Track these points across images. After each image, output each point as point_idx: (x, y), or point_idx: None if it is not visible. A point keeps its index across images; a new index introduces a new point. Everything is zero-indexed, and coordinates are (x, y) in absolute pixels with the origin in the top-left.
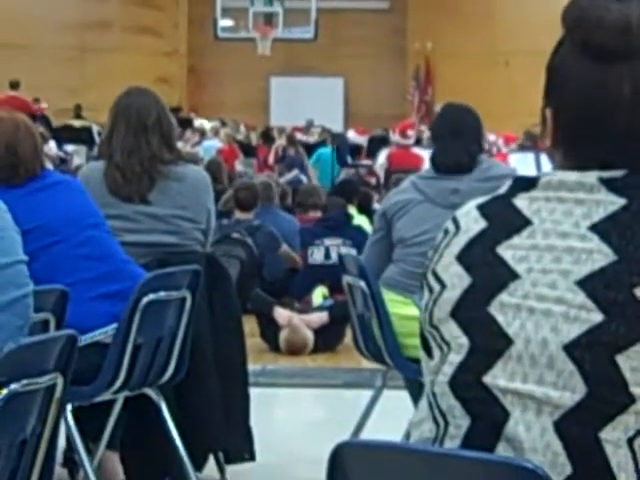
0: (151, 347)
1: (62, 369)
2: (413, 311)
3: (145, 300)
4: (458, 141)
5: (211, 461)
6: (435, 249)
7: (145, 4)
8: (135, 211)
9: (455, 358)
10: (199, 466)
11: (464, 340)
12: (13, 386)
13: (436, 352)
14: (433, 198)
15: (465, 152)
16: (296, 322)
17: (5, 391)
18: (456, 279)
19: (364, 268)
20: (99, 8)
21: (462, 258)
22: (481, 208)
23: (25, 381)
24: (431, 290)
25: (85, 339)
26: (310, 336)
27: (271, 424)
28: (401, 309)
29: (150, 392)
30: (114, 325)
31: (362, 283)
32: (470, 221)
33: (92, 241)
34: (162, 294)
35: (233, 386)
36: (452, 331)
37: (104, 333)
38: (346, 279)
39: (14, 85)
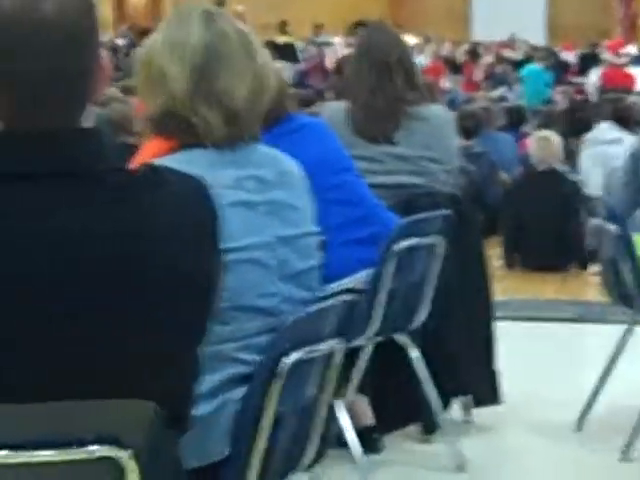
0: (403, 293)
1: (341, 334)
2: None
3: (398, 246)
4: None
5: (457, 403)
6: None
7: None
8: (381, 152)
9: None
10: (444, 408)
11: None
12: (296, 354)
13: None
14: None
15: None
16: None
17: (289, 360)
18: None
19: (614, 211)
20: None
21: None
22: None
23: (307, 349)
24: None
25: (338, 286)
26: None
27: (508, 361)
28: None
29: (401, 338)
30: (366, 271)
31: (612, 226)
32: None
33: (343, 185)
34: (414, 240)
35: (479, 328)
36: None
37: (357, 279)
38: (593, 222)
39: (220, 3)
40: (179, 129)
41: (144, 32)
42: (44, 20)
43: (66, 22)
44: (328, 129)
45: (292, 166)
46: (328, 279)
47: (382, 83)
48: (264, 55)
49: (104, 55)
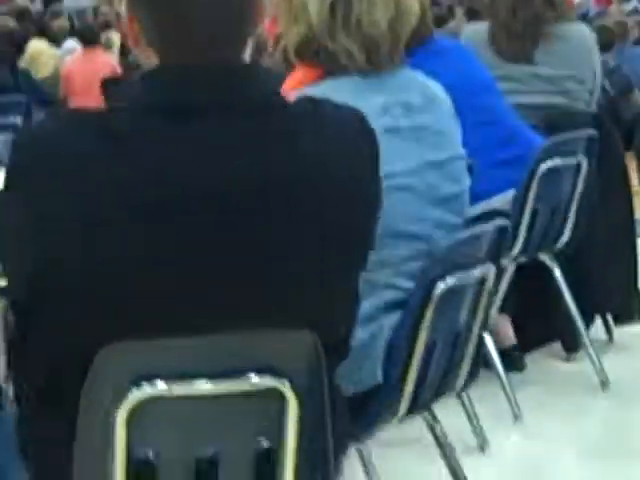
0: (547, 214)
1: (493, 259)
2: None
3: (543, 167)
4: None
5: (598, 322)
6: None
7: None
8: (523, 72)
9: None
10: (586, 327)
11: None
12: (449, 280)
13: None
14: None
15: None
16: None
17: (442, 286)
18: None
19: None
20: None
21: None
22: None
23: (460, 274)
24: None
25: (483, 207)
26: None
27: None
28: None
29: (545, 258)
30: (511, 191)
31: None
32: None
33: (486, 107)
34: (559, 160)
35: (622, 246)
36: None
37: (503, 200)
38: None
39: None
40: (320, 57)
41: None
42: None
43: None
44: (469, 52)
45: (438, 90)
46: (473, 200)
47: (521, 2)
48: None
49: None
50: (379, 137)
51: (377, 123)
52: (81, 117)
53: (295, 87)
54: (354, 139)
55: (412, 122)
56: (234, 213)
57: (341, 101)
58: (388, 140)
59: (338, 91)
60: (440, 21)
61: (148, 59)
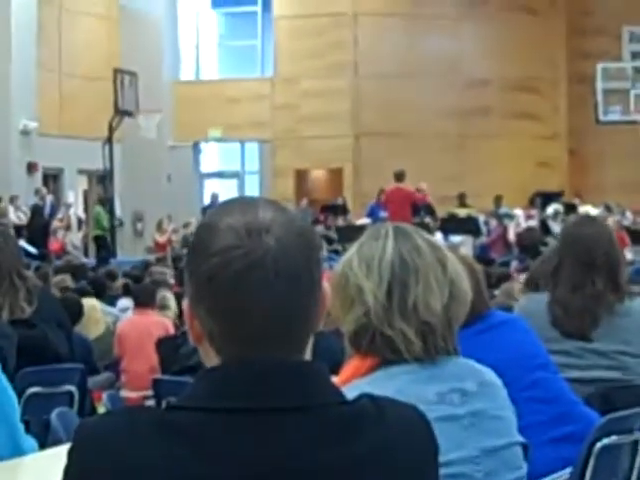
0: None
1: None
2: None
3: (599, 444)
4: None
5: None
6: None
7: (524, 89)
8: (578, 346)
9: None
10: None
11: None
12: None
13: None
14: None
15: None
16: None
17: None
18: None
19: None
20: (479, 95)
21: None
22: None
23: None
24: None
25: None
26: None
27: None
28: None
29: None
30: (567, 470)
31: None
32: None
33: (542, 383)
34: (616, 438)
35: None
36: None
37: (557, 478)
38: None
39: (399, 176)
40: (376, 344)
41: (325, 207)
42: (266, 254)
43: (287, 257)
44: (524, 326)
45: (491, 376)
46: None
47: (583, 282)
48: (456, 265)
49: (325, 286)
50: (434, 426)
51: (434, 412)
52: (142, 414)
53: (348, 380)
54: (416, 439)
55: (469, 409)
56: None
57: (395, 390)
58: (444, 429)
59: (392, 380)
60: (498, 281)
61: (208, 357)
